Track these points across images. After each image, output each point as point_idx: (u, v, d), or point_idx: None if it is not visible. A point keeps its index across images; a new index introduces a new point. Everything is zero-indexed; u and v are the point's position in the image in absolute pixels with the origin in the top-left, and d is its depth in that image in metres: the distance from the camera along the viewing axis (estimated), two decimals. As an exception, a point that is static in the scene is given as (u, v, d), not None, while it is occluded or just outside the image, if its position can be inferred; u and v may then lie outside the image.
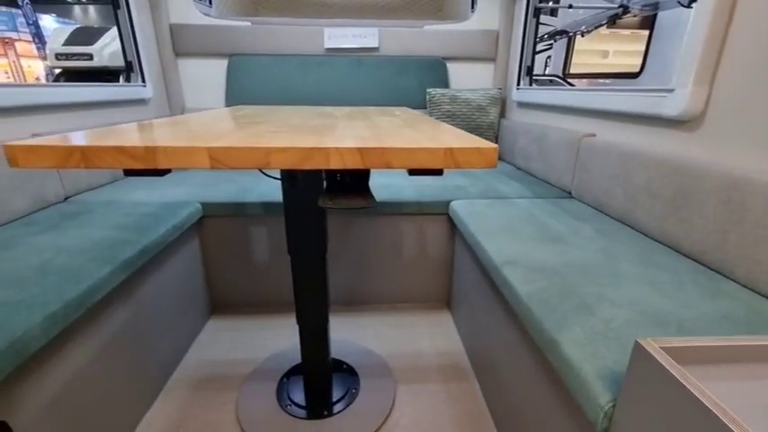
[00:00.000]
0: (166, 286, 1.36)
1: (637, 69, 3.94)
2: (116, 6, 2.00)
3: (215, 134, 0.66)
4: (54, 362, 0.87)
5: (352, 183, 0.77)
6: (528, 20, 2.21)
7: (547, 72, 5.27)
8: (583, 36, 3.66)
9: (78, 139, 0.60)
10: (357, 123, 0.92)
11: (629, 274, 0.98)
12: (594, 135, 1.60)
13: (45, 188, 1.45)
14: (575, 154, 1.66)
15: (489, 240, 1.21)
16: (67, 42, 7.60)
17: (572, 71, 4.91)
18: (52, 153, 0.53)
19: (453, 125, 2.44)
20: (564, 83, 4.27)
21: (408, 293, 1.81)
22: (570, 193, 1.72)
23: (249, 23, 2.43)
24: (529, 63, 2.30)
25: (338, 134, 0.68)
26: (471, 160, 0.58)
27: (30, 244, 1.12)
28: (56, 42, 7.90)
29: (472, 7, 3.22)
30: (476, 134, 2.45)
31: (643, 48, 4.11)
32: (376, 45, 2.49)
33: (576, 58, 5.02)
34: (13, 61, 15.44)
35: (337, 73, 2.51)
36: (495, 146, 0.59)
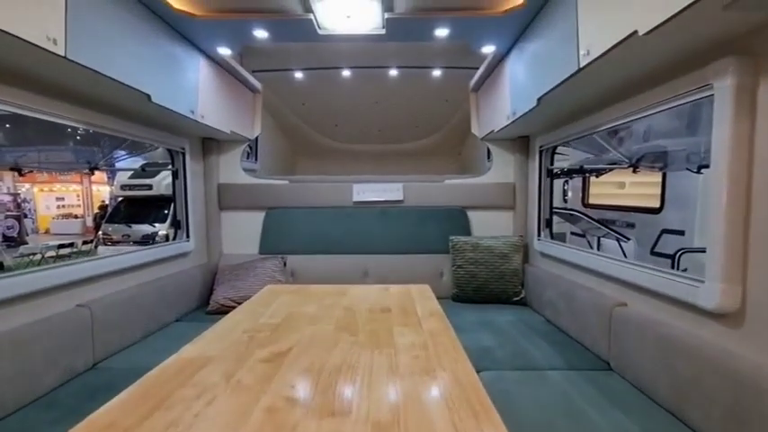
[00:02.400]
0: None
1: (655, 204, 4.00)
2: (175, 177, 2.33)
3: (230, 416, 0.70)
4: None
5: None
6: (542, 180, 2.37)
7: (566, 196, 5.45)
8: (597, 177, 3.86)
9: None
10: (379, 364, 0.92)
11: None
12: (626, 305, 1.55)
13: (76, 359, 1.49)
14: (607, 321, 1.58)
15: None
16: (133, 176, 8.74)
17: (591, 201, 5.04)
18: None
19: (477, 272, 2.45)
20: (584, 217, 4.36)
21: None
22: (608, 364, 1.59)
23: (287, 182, 2.73)
24: (547, 216, 2.39)
25: (354, 416, 0.70)
26: None
27: None
28: (123, 176, 9.09)
29: (488, 157, 3.52)
30: (501, 282, 2.43)
31: (659, 179, 4.25)
32: (401, 198, 2.69)
33: (593, 189, 5.21)
34: (86, 187, 17.67)
35: (365, 222, 2.69)
36: None
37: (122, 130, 1.81)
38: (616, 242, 4.23)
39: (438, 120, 3.99)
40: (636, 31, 1.01)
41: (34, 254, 9.40)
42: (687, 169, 2.49)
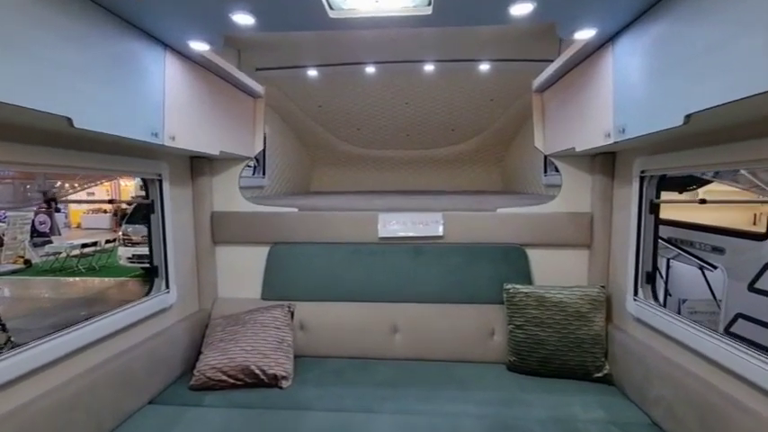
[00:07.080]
0: None
1: (752, 224, 3.23)
2: (151, 211, 1.81)
3: None
4: None
5: None
6: (643, 217, 1.70)
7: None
8: (681, 193, 3.13)
9: None
10: None
11: None
12: None
13: None
14: None
15: None
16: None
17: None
18: None
19: (544, 337, 1.83)
20: (665, 242, 3.62)
21: None
22: None
23: (296, 210, 2.18)
24: (649, 269, 1.72)
25: None
26: None
27: None
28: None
29: (545, 170, 2.85)
30: (577, 352, 1.81)
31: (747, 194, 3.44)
32: (440, 233, 2.08)
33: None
34: (115, 182, 18.04)
35: (393, 263, 2.10)
36: None
37: (59, 164, 1.28)
38: (697, 269, 3.47)
39: (479, 123, 3.34)
40: None
41: (59, 253, 9.46)
42: None
